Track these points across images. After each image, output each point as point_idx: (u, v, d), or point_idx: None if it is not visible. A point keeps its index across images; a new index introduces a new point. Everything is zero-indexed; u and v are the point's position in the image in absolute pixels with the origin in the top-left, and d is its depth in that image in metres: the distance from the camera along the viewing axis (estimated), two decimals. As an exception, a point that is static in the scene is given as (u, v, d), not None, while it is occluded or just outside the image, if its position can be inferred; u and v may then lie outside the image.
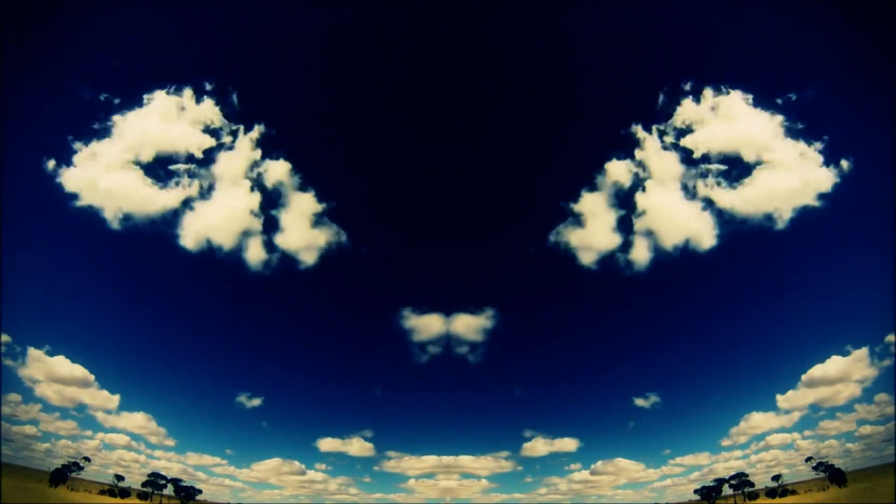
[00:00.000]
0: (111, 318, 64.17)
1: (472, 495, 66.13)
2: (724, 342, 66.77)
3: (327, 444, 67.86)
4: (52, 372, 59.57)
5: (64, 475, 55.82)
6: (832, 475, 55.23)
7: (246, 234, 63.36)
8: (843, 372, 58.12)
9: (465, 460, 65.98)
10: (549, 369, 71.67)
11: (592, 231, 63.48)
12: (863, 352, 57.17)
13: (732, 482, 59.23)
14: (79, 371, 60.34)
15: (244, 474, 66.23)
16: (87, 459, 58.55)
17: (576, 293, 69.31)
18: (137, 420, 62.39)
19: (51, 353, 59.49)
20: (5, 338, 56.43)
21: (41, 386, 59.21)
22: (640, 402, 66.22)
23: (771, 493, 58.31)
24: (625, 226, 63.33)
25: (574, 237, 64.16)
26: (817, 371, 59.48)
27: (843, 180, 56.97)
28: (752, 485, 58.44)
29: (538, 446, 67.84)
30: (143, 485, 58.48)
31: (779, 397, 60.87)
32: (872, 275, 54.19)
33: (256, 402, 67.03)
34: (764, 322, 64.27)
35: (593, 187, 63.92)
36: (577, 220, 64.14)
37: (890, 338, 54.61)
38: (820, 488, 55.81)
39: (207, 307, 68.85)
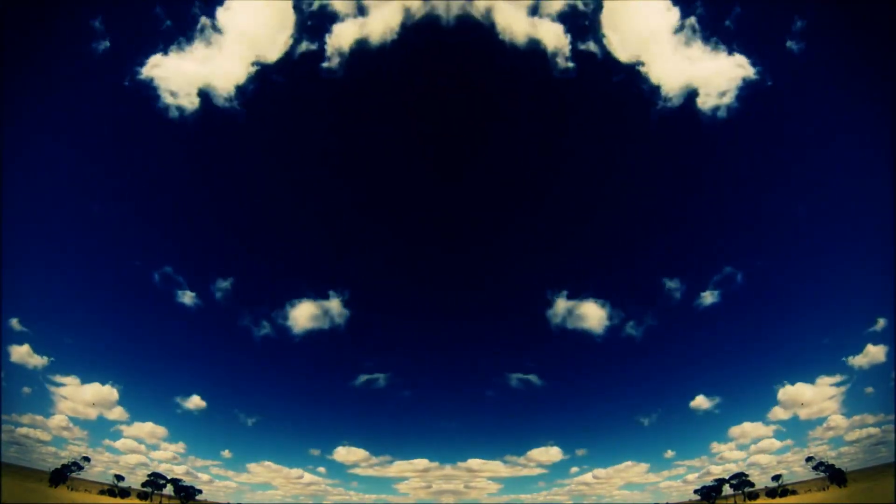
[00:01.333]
0: (136, 345, 68.47)
1: (482, 496, 68.16)
2: (723, 348, 68.84)
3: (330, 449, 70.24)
4: (77, 385, 61.32)
5: (64, 475, 55.66)
6: (832, 475, 54.97)
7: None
8: (836, 377, 58.53)
9: (475, 463, 68.04)
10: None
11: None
12: (856, 360, 57.61)
13: (732, 482, 59.14)
14: (97, 388, 62.12)
15: (244, 477, 67.09)
16: (87, 459, 58.49)
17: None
18: (146, 428, 63.68)
19: (75, 369, 61.80)
20: (45, 359, 59.49)
21: (64, 401, 60.85)
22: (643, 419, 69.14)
23: (771, 493, 58.08)
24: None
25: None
26: (809, 381, 60.00)
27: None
28: (752, 485, 58.27)
29: (547, 452, 69.34)
30: (143, 485, 58.27)
31: (773, 408, 61.79)
32: (869, 283, 55.84)
33: (258, 418, 69.83)
34: (762, 330, 66.15)
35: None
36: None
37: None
38: (820, 488, 55.55)
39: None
